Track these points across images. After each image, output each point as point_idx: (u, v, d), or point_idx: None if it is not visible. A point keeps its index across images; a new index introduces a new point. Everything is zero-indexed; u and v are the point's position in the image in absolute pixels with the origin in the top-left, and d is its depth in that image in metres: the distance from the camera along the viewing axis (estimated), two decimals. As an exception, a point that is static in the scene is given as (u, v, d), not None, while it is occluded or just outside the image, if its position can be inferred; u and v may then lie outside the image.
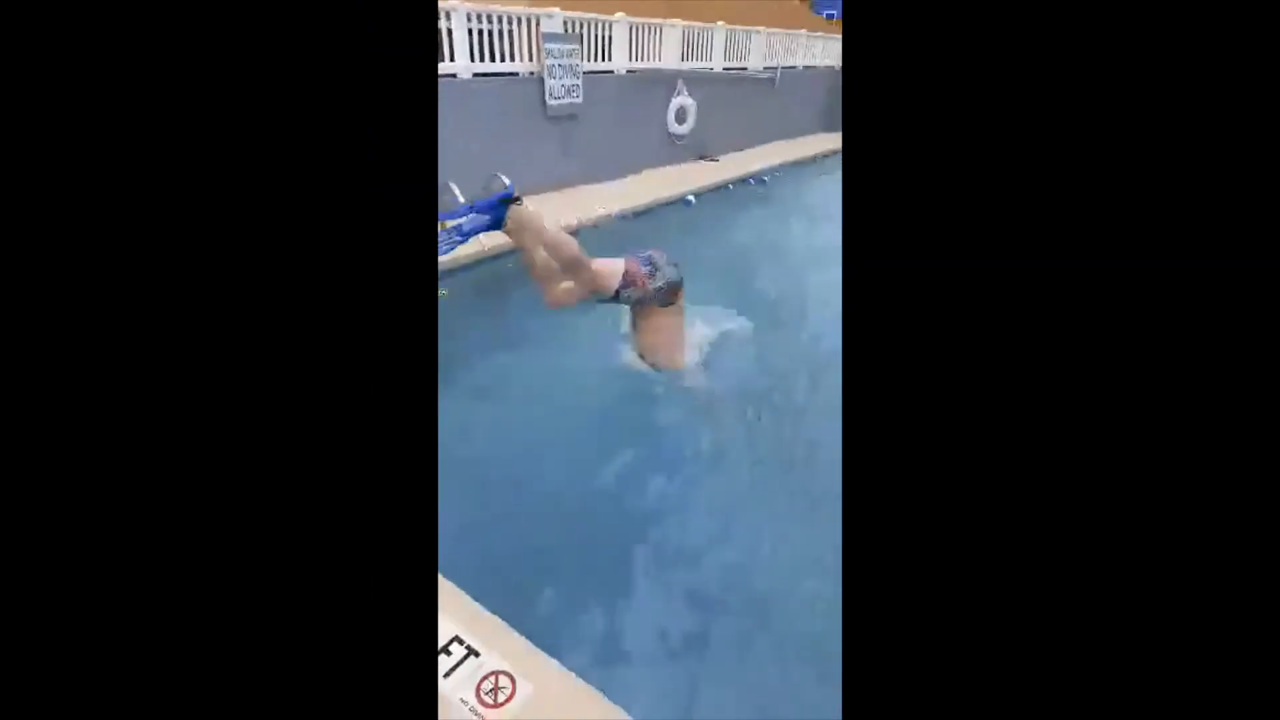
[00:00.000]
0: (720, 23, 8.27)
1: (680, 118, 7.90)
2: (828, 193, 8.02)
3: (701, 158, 8.40)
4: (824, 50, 11.33)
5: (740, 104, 9.24)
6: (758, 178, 7.96)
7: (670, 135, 7.93)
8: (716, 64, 8.47)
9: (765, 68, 9.47)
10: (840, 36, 11.81)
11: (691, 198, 6.82)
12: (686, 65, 7.88)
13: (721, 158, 8.60)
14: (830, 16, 17.82)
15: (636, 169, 7.49)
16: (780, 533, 2.20)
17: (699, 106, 8.02)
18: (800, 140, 10.72)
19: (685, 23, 7.65)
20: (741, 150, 9.25)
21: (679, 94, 7.79)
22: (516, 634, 1.52)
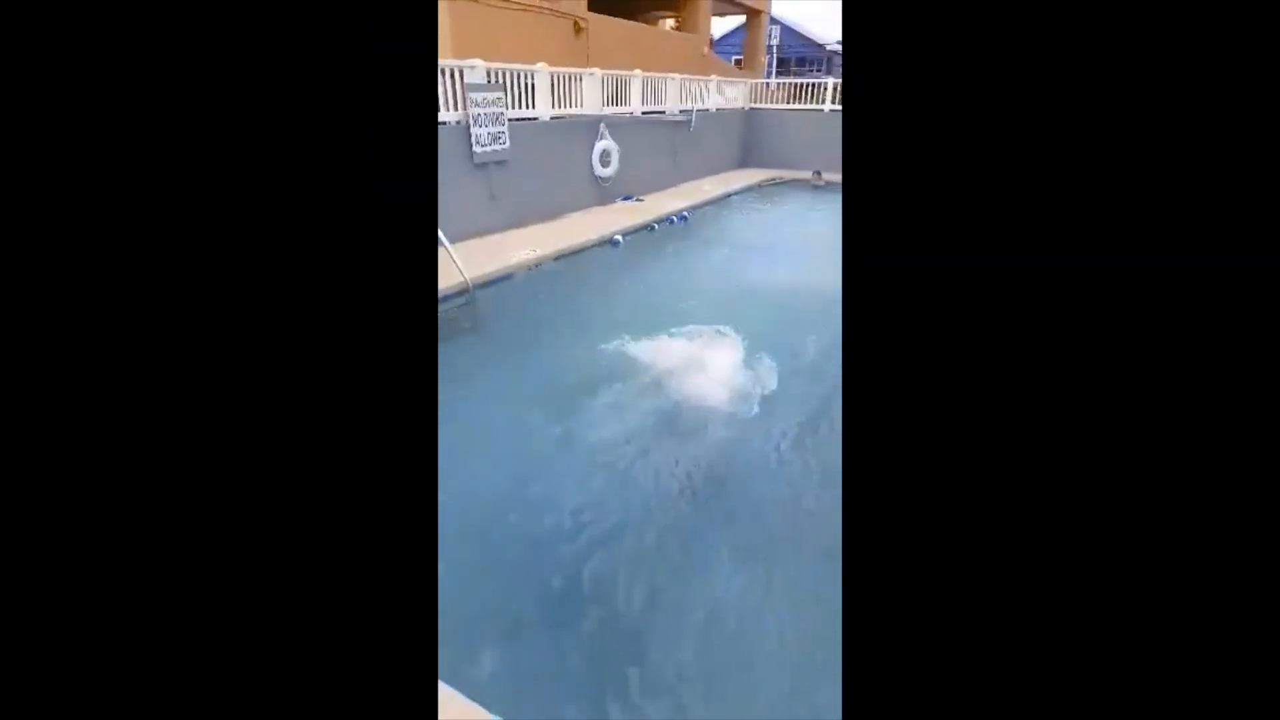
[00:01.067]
0: (637, 70, 8.68)
1: (605, 160, 8.18)
2: (745, 223, 8.49)
3: (626, 199, 8.70)
4: (733, 93, 12.06)
5: (660, 146, 9.67)
6: (680, 215, 8.32)
7: (596, 178, 8.17)
8: (635, 108, 8.85)
9: (681, 110, 9.97)
10: (746, 80, 12.59)
11: (619, 238, 7.04)
12: (608, 110, 8.19)
13: (645, 198, 8.93)
14: (736, 62, 18.90)
15: (563, 212, 7.67)
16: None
17: (621, 149, 8.33)
18: (718, 176, 11.30)
19: (604, 70, 7.98)
20: (663, 190, 9.64)
21: (602, 138, 8.07)
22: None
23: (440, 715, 1.42)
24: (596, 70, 7.84)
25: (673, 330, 4.56)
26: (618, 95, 8.47)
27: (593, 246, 6.75)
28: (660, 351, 4.13)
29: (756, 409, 3.48)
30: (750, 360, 4.06)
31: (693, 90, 10.36)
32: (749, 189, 10.75)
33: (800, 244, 7.37)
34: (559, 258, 6.25)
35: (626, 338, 4.37)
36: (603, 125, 8.06)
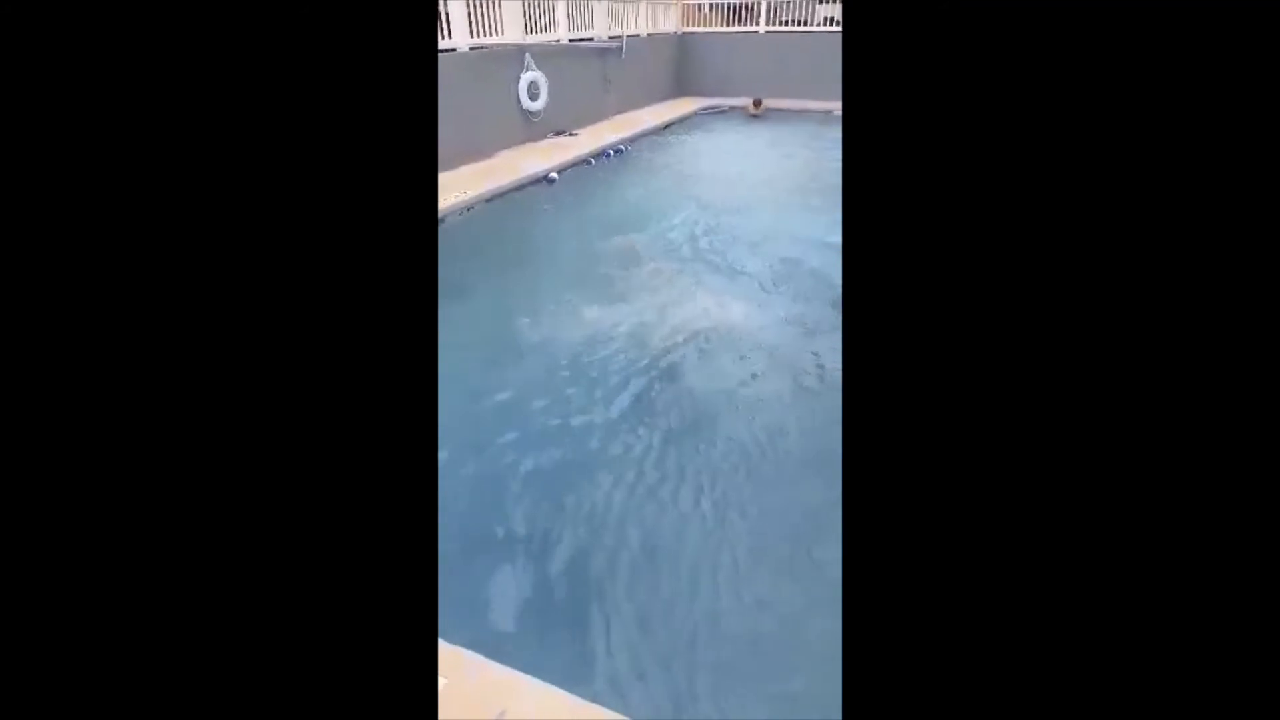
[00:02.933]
0: (560, -7, 8.17)
1: (533, 93, 7.78)
2: (683, 153, 8.33)
3: (559, 134, 8.36)
4: (665, 17, 11.54)
5: (591, 76, 9.25)
6: (616, 149, 8.08)
7: (524, 112, 7.80)
8: (562, 35, 8.38)
9: (611, 37, 9.50)
10: (678, 1, 12.05)
11: (554, 175, 6.81)
12: (532, 38, 7.73)
13: (579, 132, 8.60)
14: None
15: (493, 151, 7.33)
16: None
17: (550, 81, 7.93)
18: (654, 107, 10.95)
19: (525, -7, 7.49)
20: (597, 123, 9.30)
21: (528, 69, 7.65)
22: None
23: (443, 670, 1.49)
24: (517, -7, 7.35)
25: (620, 274, 4.51)
26: (542, 21, 7.99)
27: (527, 185, 6.52)
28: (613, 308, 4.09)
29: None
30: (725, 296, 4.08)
31: (622, 14, 9.86)
32: (686, 118, 10.48)
33: (742, 174, 7.29)
34: (492, 199, 6.02)
35: (570, 286, 4.31)
36: (528, 55, 7.63)
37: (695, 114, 10.89)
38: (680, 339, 3.52)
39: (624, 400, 2.99)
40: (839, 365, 3.33)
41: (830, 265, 4.51)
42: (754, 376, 3.20)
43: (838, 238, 5.12)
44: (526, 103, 7.74)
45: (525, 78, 7.63)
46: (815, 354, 3.42)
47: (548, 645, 1.83)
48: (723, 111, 11.24)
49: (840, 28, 11.16)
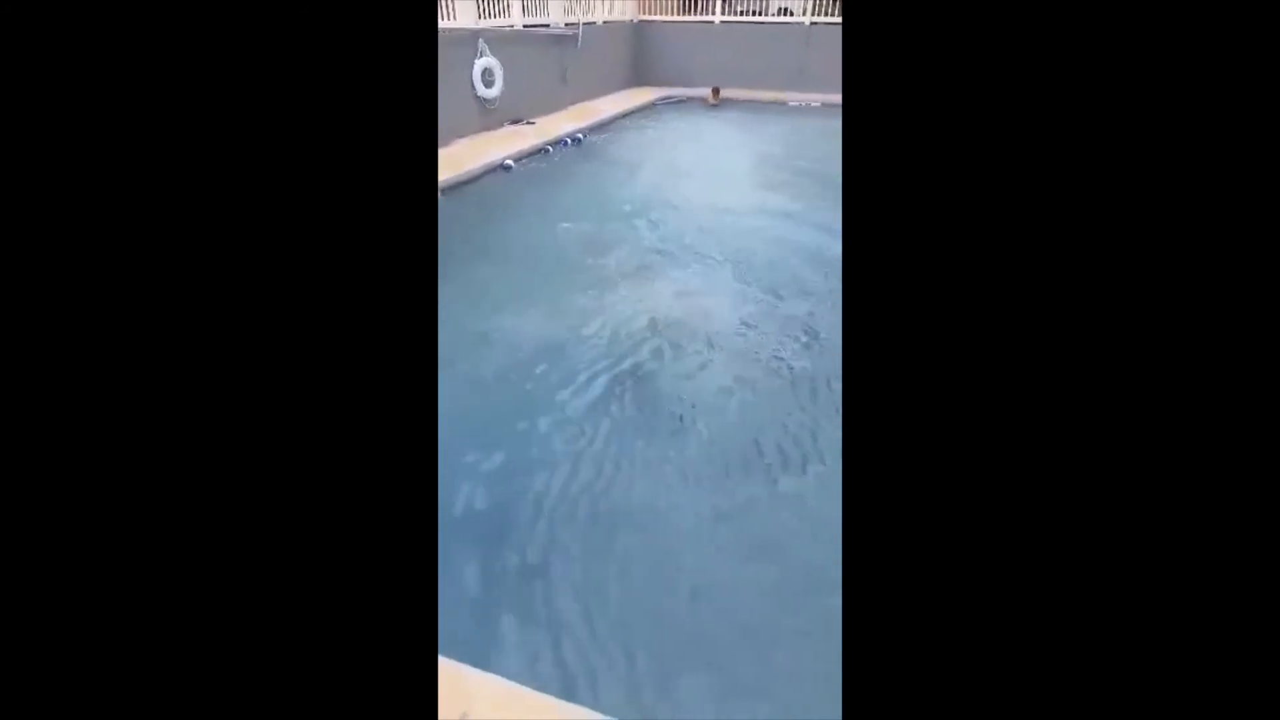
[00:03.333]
0: (514, -23, 7.98)
1: (487, 80, 7.60)
2: (642, 142, 8.29)
3: (515, 122, 8.19)
4: (622, 4, 11.42)
5: (548, 63, 9.08)
6: (574, 137, 7.97)
7: (479, 99, 7.61)
8: (517, 20, 8.20)
9: (567, 23, 9.34)
10: (635, -10, 11.92)
11: (510, 163, 6.68)
12: (485, 23, 7.54)
13: (536, 120, 8.45)
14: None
15: (448, 139, 7.13)
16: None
17: (505, 68, 7.76)
18: (611, 96, 10.84)
19: (477, -23, 7.28)
20: (554, 112, 9.16)
21: (482, 54, 7.46)
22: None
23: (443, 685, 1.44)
24: (468, -23, 7.14)
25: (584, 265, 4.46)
26: (496, 6, 7.79)
27: (483, 175, 6.37)
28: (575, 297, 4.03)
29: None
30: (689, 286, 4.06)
31: (579, 1, 9.71)
32: (643, 108, 10.42)
33: (699, 165, 7.29)
34: (447, 189, 5.86)
35: (526, 289, 4.24)
36: (481, 41, 7.43)
37: (654, 104, 10.83)
38: (641, 324, 3.51)
39: (576, 389, 2.96)
40: (776, 329, 3.41)
41: (782, 233, 4.71)
42: (692, 348, 3.21)
43: (791, 210, 5.22)
44: (481, 90, 7.56)
45: (479, 64, 7.45)
46: (746, 322, 3.47)
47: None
48: (681, 102, 11.21)
49: (793, 18, 11.28)
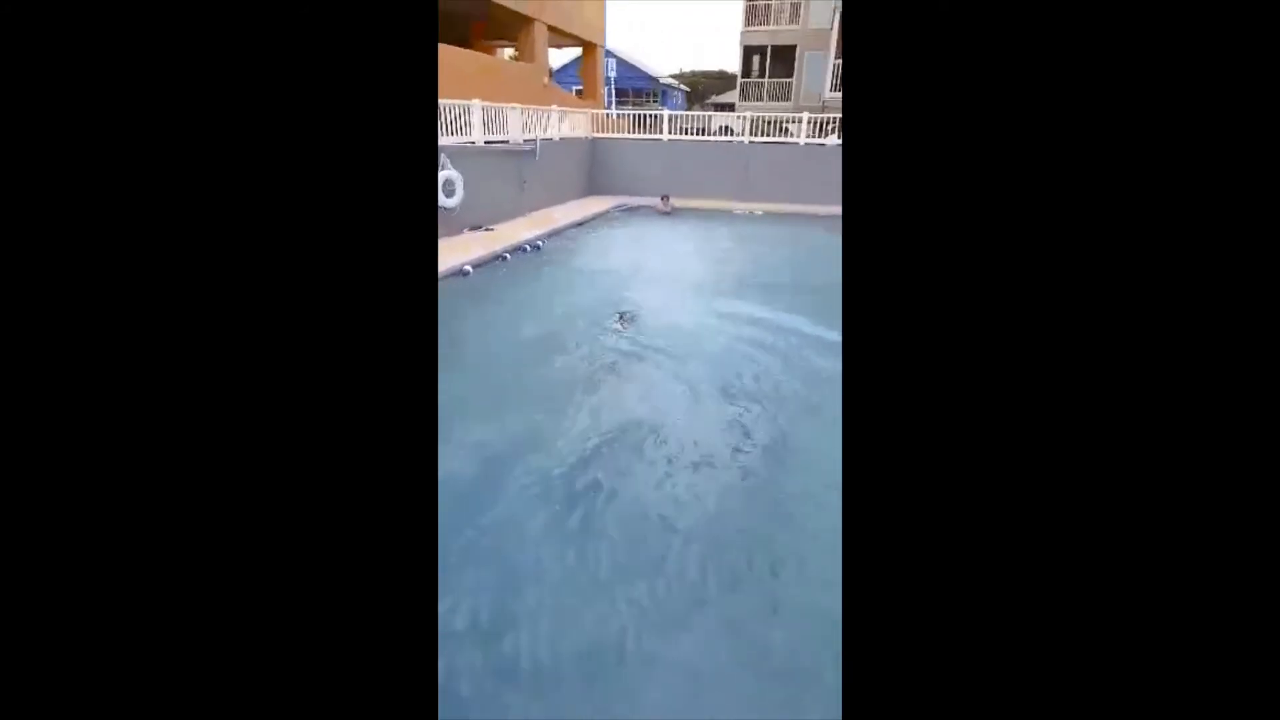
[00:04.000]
0: (476, 100, 8.52)
1: (448, 190, 7.90)
2: (599, 248, 8.62)
3: (474, 229, 8.45)
4: (577, 123, 12.28)
5: (507, 174, 9.55)
6: (532, 244, 8.24)
7: (440, 208, 7.86)
8: (478, 138, 8.67)
9: (525, 140, 9.94)
10: (588, 110, 12.91)
11: (468, 268, 6.81)
12: (449, 140, 7.94)
13: (495, 227, 8.74)
14: (578, 92, 19.36)
15: (408, 244, 7.26)
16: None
17: (466, 179, 8.10)
18: (568, 204, 11.39)
19: (443, 100, 7.74)
20: (513, 219, 9.52)
21: (443, 168, 7.79)
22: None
23: None
24: (432, 99, 7.60)
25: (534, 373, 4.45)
26: (458, 125, 8.25)
27: (442, 279, 6.45)
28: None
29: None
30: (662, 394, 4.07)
31: (536, 120, 10.40)
32: (598, 216, 10.95)
33: (655, 270, 7.60)
34: (405, 294, 5.88)
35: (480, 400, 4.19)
36: (444, 155, 7.80)
37: (608, 211, 11.41)
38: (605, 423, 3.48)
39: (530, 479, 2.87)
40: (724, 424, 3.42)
41: (730, 330, 4.85)
42: (645, 430, 3.19)
43: (741, 312, 5.42)
44: (442, 199, 7.82)
45: (441, 175, 7.76)
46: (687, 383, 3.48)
47: None
48: (634, 210, 11.85)
49: (734, 136, 12.36)
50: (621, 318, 5.44)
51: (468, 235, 8.21)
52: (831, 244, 8.14)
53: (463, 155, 8.17)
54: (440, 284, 6.37)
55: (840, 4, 13.77)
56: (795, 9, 18.31)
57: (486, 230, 8.53)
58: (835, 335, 4.88)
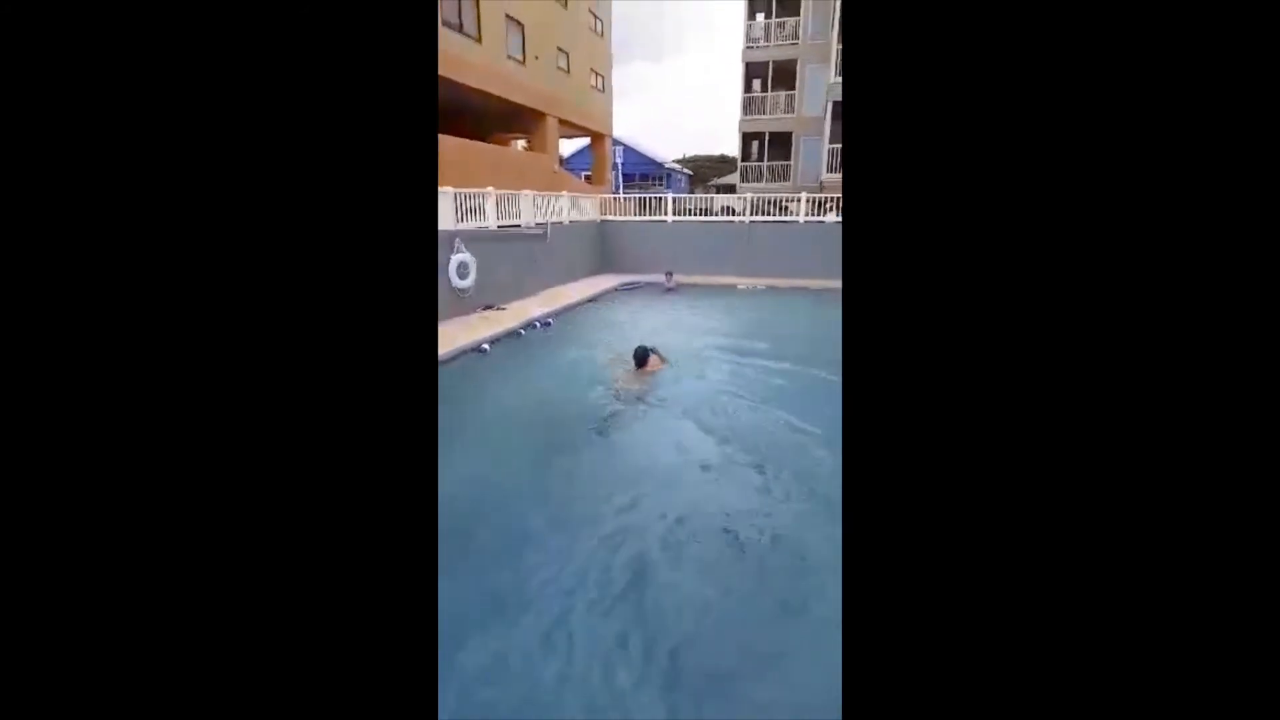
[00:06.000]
0: (490, 188, 9.07)
1: (462, 273, 8.27)
2: (607, 324, 8.87)
3: (488, 308, 8.78)
4: (586, 207, 12.94)
5: (519, 256, 10.00)
6: (543, 321, 8.52)
7: (454, 289, 8.21)
8: (491, 222, 9.16)
9: (537, 223, 10.47)
10: (596, 195, 13.60)
11: (486, 346, 7.03)
12: (463, 225, 8.40)
13: (508, 305, 9.07)
14: (586, 177, 20.42)
15: (424, 323, 7.53)
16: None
17: (480, 261, 8.50)
18: (578, 282, 11.82)
19: (456, 189, 8.26)
20: (526, 297, 9.89)
21: (458, 251, 8.20)
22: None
23: None
24: (449, 189, 8.10)
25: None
26: (472, 211, 8.75)
27: (460, 356, 6.67)
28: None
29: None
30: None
31: (547, 204, 10.99)
32: (606, 293, 11.33)
33: (663, 346, 7.80)
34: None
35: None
36: (458, 240, 8.22)
37: (616, 289, 11.81)
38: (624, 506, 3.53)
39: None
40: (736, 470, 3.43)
41: (736, 401, 4.86)
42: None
43: (741, 387, 5.52)
44: (456, 281, 8.18)
45: (455, 259, 8.15)
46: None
47: None
48: (640, 287, 12.26)
49: (735, 216, 12.93)
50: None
51: (480, 314, 8.51)
52: (823, 313, 8.32)
53: (477, 239, 8.61)
54: (460, 360, 6.57)
55: (832, 95, 14.71)
56: (790, 100, 19.55)
57: (499, 309, 8.85)
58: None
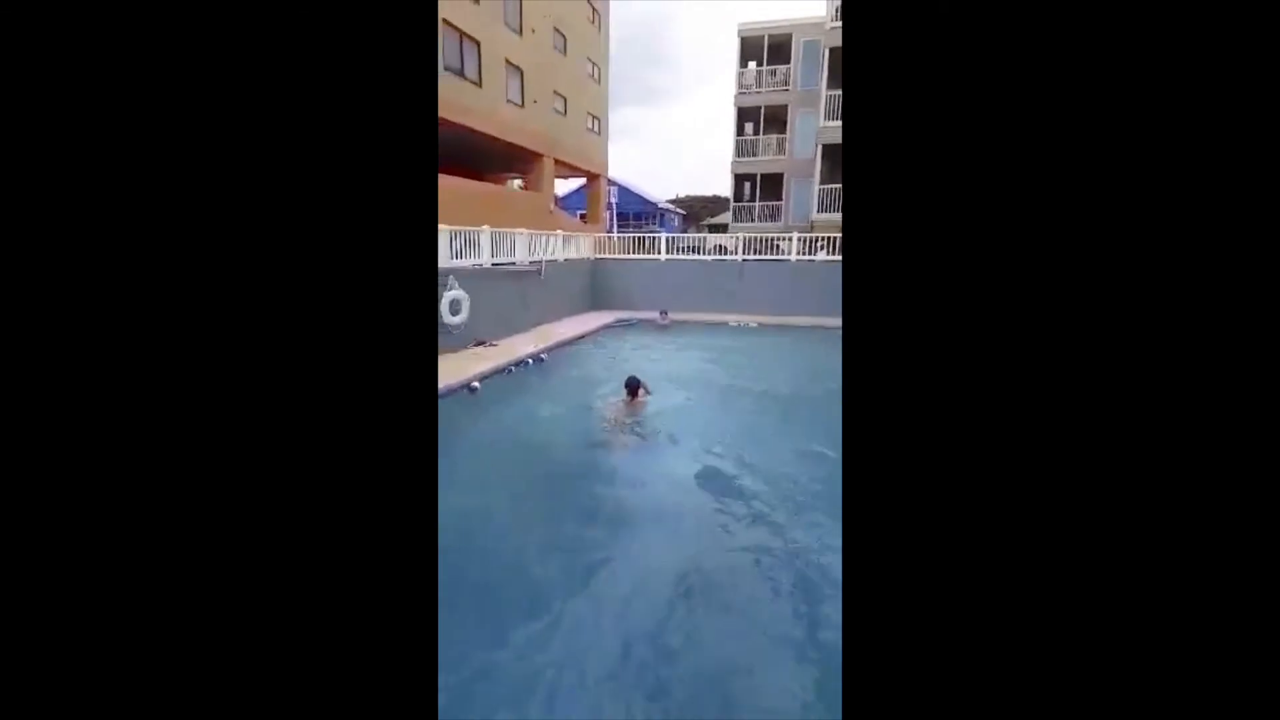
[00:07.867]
0: (485, 225, 9.16)
1: (454, 309, 8.27)
2: (600, 362, 8.85)
3: (479, 344, 8.75)
4: (580, 245, 13.08)
5: (512, 293, 10.04)
6: (536, 358, 8.49)
7: (444, 326, 8.19)
8: (485, 260, 9.22)
9: (531, 261, 10.55)
10: (591, 234, 13.77)
11: (476, 384, 6.97)
12: (456, 262, 8.44)
13: (500, 342, 9.05)
14: (581, 216, 20.73)
15: (414, 360, 7.48)
16: None
17: (473, 298, 8.51)
18: (572, 319, 11.85)
19: (451, 227, 8.33)
20: (519, 333, 9.88)
21: (451, 288, 8.22)
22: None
23: None
24: (445, 226, 8.17)
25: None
26: (468, 247, 8.81)
27: (450, 394, 6.60)
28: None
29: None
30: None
31: (541, 243, 11.09)
32: (599, 330, 11.35)
33: (656, 387, 7.77)
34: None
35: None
36: (450, 277, 8.25)
37: (610, 325, 11.83)
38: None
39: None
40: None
41: (730, 436, 4.82)
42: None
43: (733, 428, 5.48)
44: (447, 318, 8.17)
45: (447, 295, 8.16)
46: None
47: None
48: (633, 324, 12.29)
49: (727, 255, 13.08)
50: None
51: (473, 350, 8.48)
52: (813, 349, 8.38)
53: (471, 276, 8.64)
54: (451, 396, 6.50)
55: (822, 138, 15.10)
56: (781, 143, 20.06)
57: (490, 345, 8.83)
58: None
